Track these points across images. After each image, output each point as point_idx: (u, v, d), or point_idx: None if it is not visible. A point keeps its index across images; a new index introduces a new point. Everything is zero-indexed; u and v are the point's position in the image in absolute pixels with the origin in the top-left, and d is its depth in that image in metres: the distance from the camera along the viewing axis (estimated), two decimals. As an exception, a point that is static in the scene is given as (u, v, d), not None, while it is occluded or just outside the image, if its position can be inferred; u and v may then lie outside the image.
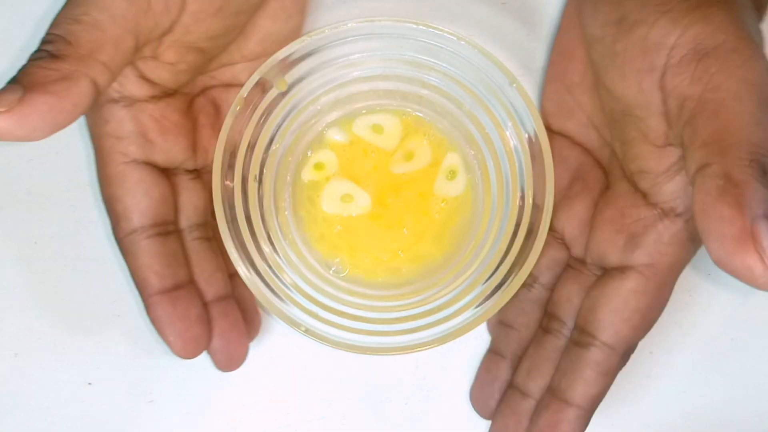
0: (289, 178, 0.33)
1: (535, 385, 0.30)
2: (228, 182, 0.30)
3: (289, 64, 0.31)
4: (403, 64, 0.32)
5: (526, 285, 0.31)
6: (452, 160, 0.33)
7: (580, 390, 0.29)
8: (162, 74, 0.29)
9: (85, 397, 0.33)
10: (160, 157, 0.30)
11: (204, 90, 0.32)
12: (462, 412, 0.33)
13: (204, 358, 0.33)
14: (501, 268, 0.29)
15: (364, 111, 0.33)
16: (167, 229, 0.30)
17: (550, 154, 0.29)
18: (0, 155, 0.34)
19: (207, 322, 0.30)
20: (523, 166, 0.30)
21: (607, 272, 0.29)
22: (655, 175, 0.27)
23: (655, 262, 0.28)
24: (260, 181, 0.31)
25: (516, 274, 0.29)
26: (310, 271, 0.31)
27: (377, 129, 0.33)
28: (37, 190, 0.34)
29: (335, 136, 0.33)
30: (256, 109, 0.31)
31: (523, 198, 0.30)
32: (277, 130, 0.32)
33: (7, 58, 0.34)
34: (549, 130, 0.32)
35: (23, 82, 0.24)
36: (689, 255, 0.29)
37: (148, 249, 0.29)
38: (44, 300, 0.33)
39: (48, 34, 0.25)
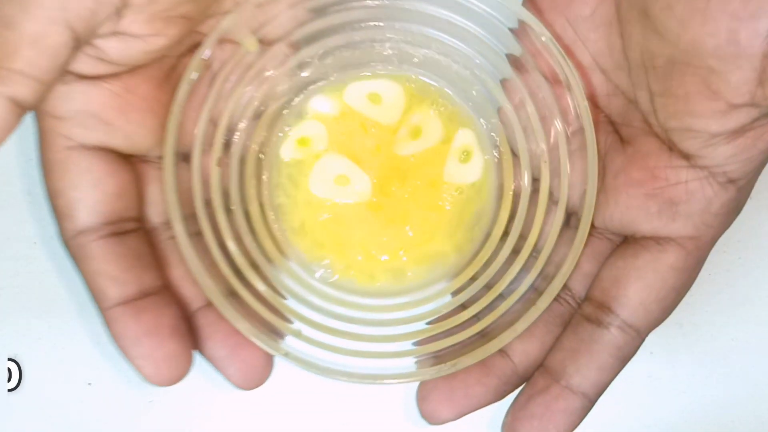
0: (262, 158, 0.27)
1: (519, 343, 0.26)
2: (184, 167, 0.25)
3: (259, 18, 0.25)
4: (401, 12, 0.26)
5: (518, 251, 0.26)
6: (465, 137, 0.27)
7: (592, 377, 0.25)
8: (132, 53, 0.23)
9: (85, 397, 0.33)
10: (121, 141, 0.24)
11: (191, 49, 0.25)
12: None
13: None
14: (533, 269, 0.25)
15: (355, 76, 0.27)
16: (126, 227, 0.24)
17: (591, 120, 0.24)
18: (0, 155, 0.34)
19: (187, 336, 0.24)
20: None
21: (636, 241, 0.25)
22: (711, 136, 0.23)
23: (700, 234, 0.24)
24: (224, 166, 0.26)
25: (554, 278, 0.24)
26: (288, 275, 0.26)
27: (374, 98, 0.27)
28: (37, 190, 0.34)
29: (321, 106, 0.27)
30: (218, 74, 0.25)
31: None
32: (247, 100, 0.26)
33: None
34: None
35: None
36: (727, 228, 0.25)
37: (101, 252, 0.23)
38: (44, 300, 0.33)
39: None
